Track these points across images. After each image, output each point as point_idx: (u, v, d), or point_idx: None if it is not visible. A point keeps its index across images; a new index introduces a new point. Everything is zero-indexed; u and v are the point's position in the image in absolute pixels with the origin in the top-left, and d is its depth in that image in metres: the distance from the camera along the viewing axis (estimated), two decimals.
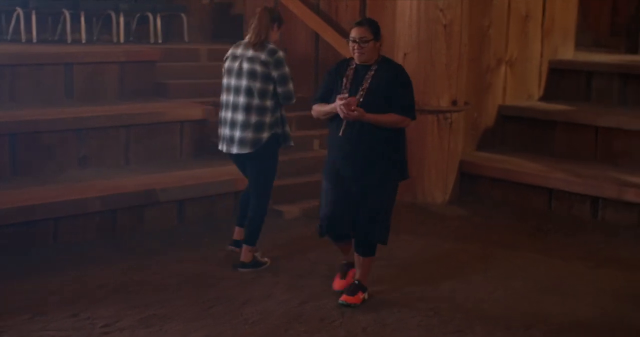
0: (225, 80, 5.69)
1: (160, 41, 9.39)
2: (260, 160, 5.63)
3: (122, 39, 9.16)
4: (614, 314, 5.13)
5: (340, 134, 4.96)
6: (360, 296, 5.13)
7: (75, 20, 8.90)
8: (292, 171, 7.33)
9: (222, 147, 5.71)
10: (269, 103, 5.57)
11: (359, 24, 5.05)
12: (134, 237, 6.25)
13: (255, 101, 5.53)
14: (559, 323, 4.95)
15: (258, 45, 5.56)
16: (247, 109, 5.53)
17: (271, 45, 5.59)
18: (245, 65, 5.56)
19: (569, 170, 7.47)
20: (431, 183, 7.61)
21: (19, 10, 8.70)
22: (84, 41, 8.85)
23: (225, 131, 5.66)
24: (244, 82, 5.55)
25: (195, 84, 8.37)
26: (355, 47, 4.98)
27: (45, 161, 6.69)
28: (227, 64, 5.68)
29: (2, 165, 6.47)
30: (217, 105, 7.73)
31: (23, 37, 8.68)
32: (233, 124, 5.60)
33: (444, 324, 4.87)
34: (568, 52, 9.15)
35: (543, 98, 8.87)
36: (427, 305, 5.16)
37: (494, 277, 5.72)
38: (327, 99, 5.09)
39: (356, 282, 5.18)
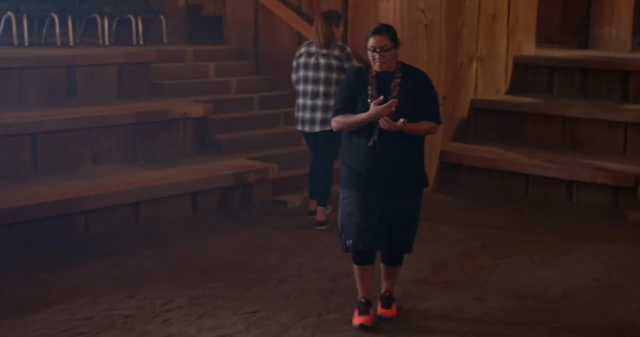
0: (302, 73, 6.82)
1: (141, 43, 9.73)
2: (335, 136, 6.10)
3: (107, 41, 9.49)
4: (606, 284, 5.77)
5: (370, 144, 4.75)
6: (395, 306, 5.07)
7: (61, 23, 9.17)
8: (292, 163, 7.86)
9: (304, 127, 6.83)
10: None
11: (377, 31, 4.74)
12: (156, 228, 6.67)
13: (333, 89, 6.65)
14: (562, 292, 5.57)
15: (327, 44, 6.65)
16: (327, 95, 6.69)
17: (340, 43, 6.73)
18: (322, 61, 6.74)
19: (544, 157, 8.14)
20: None
21: (11, 14, 8.94)
22: (71, 44, 9.14)
23: (306, 115, 6.79)
24: (322, 75, 6.73)
25: (186, 83, 8.80)
26: (377, 57, 4.72)
27: (62, 159, 7.04)
28: (302, 60, 6.76)
29: (24, 164, 6.82)
30: (214, 104, 8.23)
31: (15, 40, 8.92)
32: (314, 108, 6.75)
33: (463, 294, 5.46)
34: (530, 49, 9.84)
35: (509, 92, 9.53)
36: (443, 278, 5.75)
37: (493, 254, 6.33)
38: (352, 108, 4.82)
39: (387, 294, 5.08)
